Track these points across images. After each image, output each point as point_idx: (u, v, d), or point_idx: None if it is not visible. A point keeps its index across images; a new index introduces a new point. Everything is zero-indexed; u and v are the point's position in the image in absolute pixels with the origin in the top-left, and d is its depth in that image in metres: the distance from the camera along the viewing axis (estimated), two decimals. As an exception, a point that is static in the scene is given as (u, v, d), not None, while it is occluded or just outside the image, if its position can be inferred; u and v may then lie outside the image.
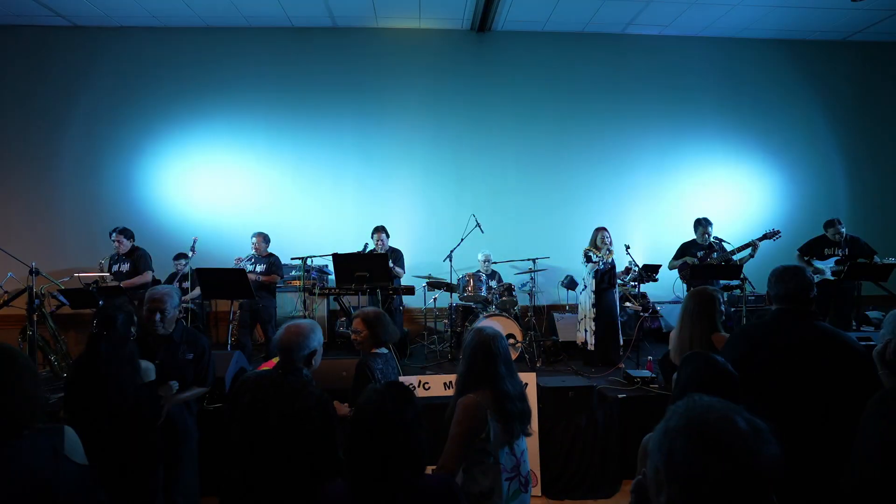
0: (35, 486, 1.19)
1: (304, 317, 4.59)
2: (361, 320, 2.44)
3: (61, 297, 4.32)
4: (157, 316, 2.43)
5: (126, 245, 4.71)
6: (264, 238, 5.02)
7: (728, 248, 4.94)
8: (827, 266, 4.94)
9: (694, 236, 5.07)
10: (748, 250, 4.76)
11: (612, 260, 4.78)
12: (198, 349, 2.57)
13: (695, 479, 0.74)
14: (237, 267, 4.72)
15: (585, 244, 4.91)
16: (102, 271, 4.92)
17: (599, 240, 4.77)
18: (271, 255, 5.02)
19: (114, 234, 4.70)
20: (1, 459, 1.17)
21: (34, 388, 1.28)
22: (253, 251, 4.98)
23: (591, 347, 4.72)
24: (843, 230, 4.91)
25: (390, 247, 5.15)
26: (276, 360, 3.40)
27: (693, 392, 1.44)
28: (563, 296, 5.88)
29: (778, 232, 4.79)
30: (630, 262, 4.96)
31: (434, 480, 1.33)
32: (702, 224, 4.96)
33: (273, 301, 5.02)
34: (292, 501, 1.69)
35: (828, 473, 1.51)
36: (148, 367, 2.34)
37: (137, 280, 4.66)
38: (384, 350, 2.48)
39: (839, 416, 1.63)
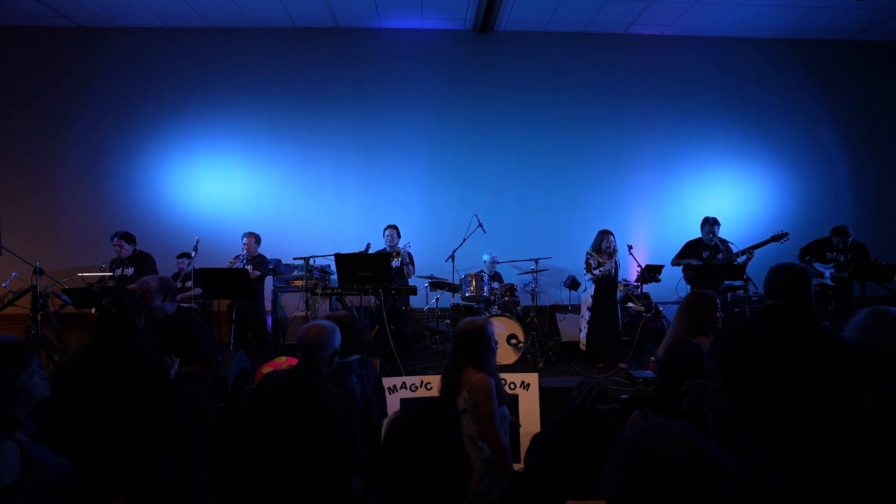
0: None
1: (307, 317, 4.59)
2: None
3: (65, 297, 4.34)
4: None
5: (128, 249, 4.71)
6: (257, 239, 5.00)
7: (733, 249, 4.92)
8: (827, 270, 4.92)
9: (698, 235, 5.05)
10: (744, 256, 4.73)
11: (616, 260, 4.77)
12: (191, 332, 2.65)
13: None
14: (233, 268, 4.71)
15: (588, 245, 4.90)
16: (106, 272, 4.93)
17: (605, 244, 4.74)
18: (260, 255, 5.00)
19: (115, 239, 4.69)
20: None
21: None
22: (244, 251, 4.97)
23: (582, 346, 4.74)
24: (850, 240, 4.89)
25: (398, 247, 5.19)
26: (278, 359, 3.41)
27: (667, 376, 1.45)
28: (565, 296, 5.87)
29: (786, 234, 4.74)
30: (624, 281, 4.95)
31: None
32: (709, 223, 4.93)
33: (263, 303, 4.99)
34: (310, 499, 1.69)
35: (813, 471, 1.50)
36: None
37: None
38: (353, 357, 2.36)
39: (823, 415, 1.60)
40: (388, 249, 5.06)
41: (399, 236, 5.21)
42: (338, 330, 1.99)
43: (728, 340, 1.89)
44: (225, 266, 4.75)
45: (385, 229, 5.17)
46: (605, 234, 4.78)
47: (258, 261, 4.95)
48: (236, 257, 4.94)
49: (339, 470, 1.74)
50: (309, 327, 1.95)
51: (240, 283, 4.19)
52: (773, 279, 1.91)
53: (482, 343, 2.19)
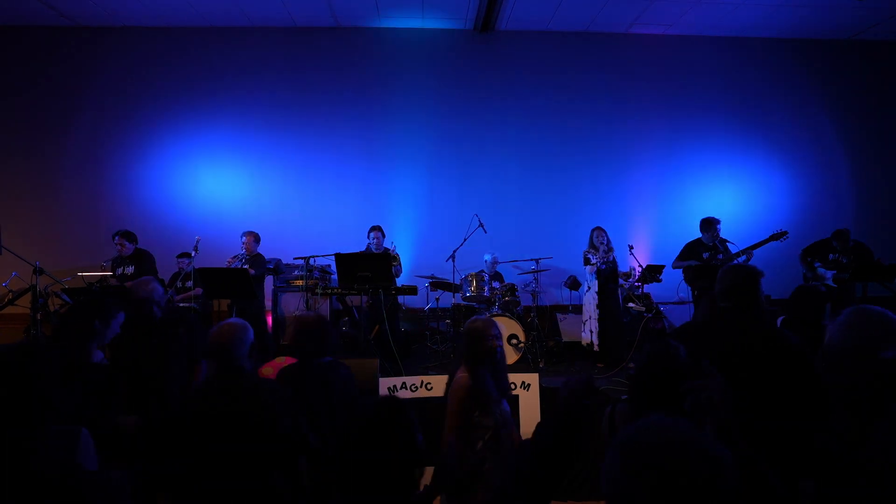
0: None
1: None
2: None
3: (65, 297, 4.33)
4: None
5: (129, 248, 4.71)
6: (256, 238, 4.98)
7: (733, 249, 4.91)
8: (829, 273, 4.91)
9: (699, 236, 5.04)
10: (743, 257, 4.71)
11: (613, 257, 4.76)
12: (183, 327, 2.67)
13: (623, 497, 0.73)
14: (231, 267, 4.70)
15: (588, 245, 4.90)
16: (106, 271, 4.93)
17: (596, 239, 4.78)
18: (258, 255, 4.98)
19: (116, 237, 4.69)
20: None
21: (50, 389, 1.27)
22: (243, 250, 4.95)
23: (595, 348, 4.71)
24: (852, 243, 4.88)
25: (384, 247, 5.15)
26: (278, 359, 3.40)
27: (643, 374, 1.47)
28: (565, 296, 5.86)
29: (786, 233, 4.72)
30: (631, 267, 4.94)
31: None
32: (711, 223, 4.92)
33: (263, 302, 4.98)
34: (258, 487, 1.70)
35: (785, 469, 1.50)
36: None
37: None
38: (327, 358, 2.32)
39: (782, 414, 1.63)
40: (374, 251, 5.00)
41: (384, 236, 5.17)
42: (248, 325, 1.95)
43: (690, 344, 1.90)
44: (224, 266, 4.74)
45: (370, 231, 5.08)
46: (595, 230, 4.84)
47: (256, 260, 4.94)
48: (235, 256, 4.93)
49: (288, 457, 1.78)
50: (220, 328, 1.90)
51: (239, 283, 4.18)
52: (720, 283, 1.93)
53: (474, 343, 2.17)
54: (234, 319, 1.95)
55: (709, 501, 0.69)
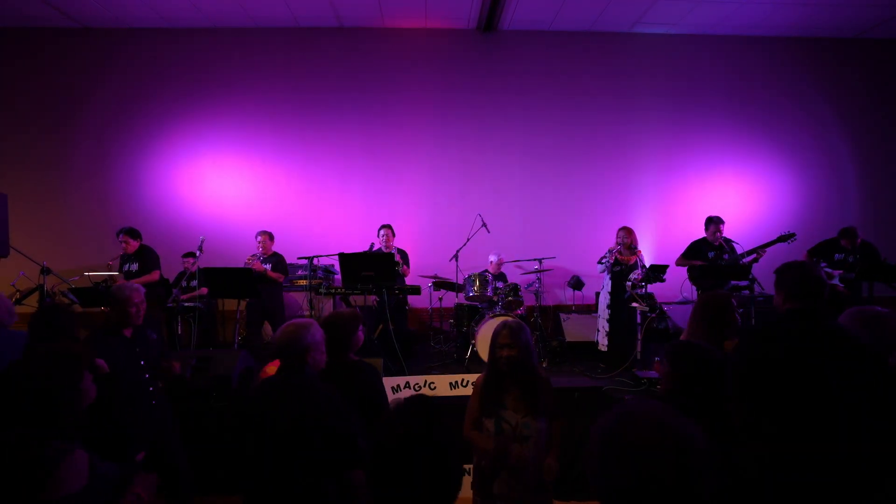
0: None
1: (311, 316, 4.61)
2: None
3: (71, 296, 4.37)
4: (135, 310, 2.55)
5: (133, 245, 4.75)
6: (270, 237, 5.04)
7: (738, 249, 4.89)
8: (836, 272, 4.87)
9: (703, 234, 5.02)
10: (753, 256, 4.69)
11: (636, 260, 4.67)
12: (156, 326, 2.77)
13: (609, 486, 0.74)
14: (250, 266, 4.74)
15: (592, 244, 4.92)
16: (112, 271, 4.97)
17: (622, 239, 4.76)
18: (276, 253, 5.05)
19: (120, 235, 4.74)
20: None
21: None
22: (259, 249, 5.00)
23: (602, 348, 4.71)
24: (859, 241, 4.84)
25: (396, 247, 5.17)
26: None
27: (675, 375, 1.45)
28: (569, 296, 5.85)
29: (794, 235, 4.66)
30: (636, 275, 4.91)
31: None
32: (713, 222, 4.90)
33: (282, 298, 5.05)
34: (313, 494, 1.69)
35: (837, 477, 1.48)
36: None
37: (146, 279, 4.70)
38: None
39: (849, 418, 1.59)
40: (383, 250, 5.04)
41: (394, 235, 5.18)
42: (310, 326, 1.94)
43: (756, 348, 1.79)
44: (229, 266, 4.76)
45: (380, 229, 5.13)
46: (619, 230, 4.80)
47: (278, 260, 4.99)
48: (253, 255, 4.96)
49: (340, 465, 1.74)
50: (285, 327, 1.91)
51: (244, 282, 4.21)
52: (783, 282, 1.77)
53: (494, 345, 2.23)
54: (299, 320, 1.96)
55: (682, 478, 0.70)
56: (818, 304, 1.75)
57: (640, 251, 4.78)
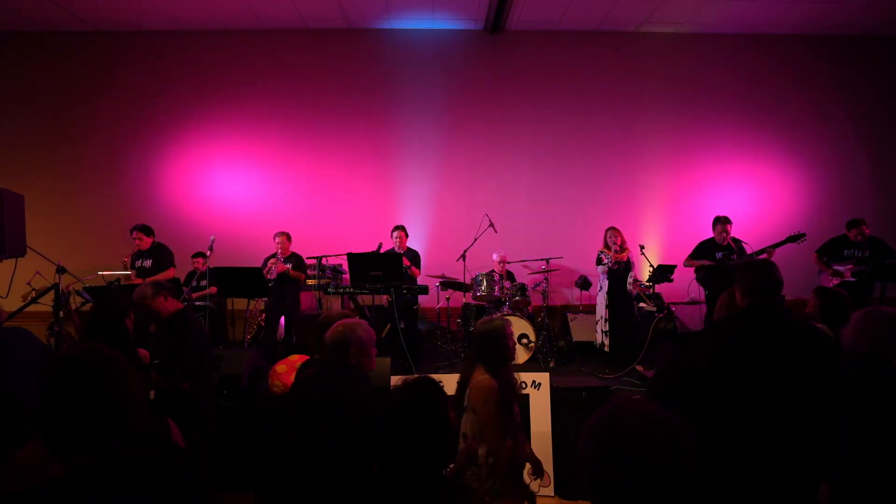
0: None
1: (319, 315, 4.65)
2: None
3: (85, 295, 4.45)
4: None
5: (147, 241, 4.83)
6: (288, 237, 5.08)
7: (747, 249, 4.86)
8: (845, 268, 4.83)
9: (711, 235, 5.00)
10: (764, 256, 4.65)
11: (628, 258, 4.74)
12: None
13: (602, 482, 0.76)
14: (271, 267, 4.79)
15: (599, 244, 4.90)
16: (126, 269, 5.04)
17: (609, 239, 4.78)
18: (295, 254, 5.10)
19: (134, 232, 4.82)
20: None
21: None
22: (278, 250, 5.04)
23: (605, 348, 4.71)
24: (868, 234, 4.78)
25: (408, 248, 5.21)
26: (293, 357, 3.46)
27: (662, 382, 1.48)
28: (576, 296, 5.85)
29: (803, 235, 4.62)
30: (634, 280, 4.91)
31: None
32: (720, 222, 4.88)
33: (298, 297, 5.10)
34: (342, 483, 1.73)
35: (798, 466, 1.51)
36: None
37: (161, 276, 4.77)
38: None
39: (807, 408, 1.63)
40: (397, 251, 5.07)
41: (407, 236, 5.22)
42: (357, 327, 1.97)
43: (720, 341, 1.88)
44: (238, 265, 4.80)
45: (393, 230, 5.17)
46: (608, 230, 4.84)
47: (298, 260, 5.04)
48: (273, 257, 4.99)
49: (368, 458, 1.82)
50: (335, 325, 1.98)
51: (254, 282, 4.26)
52: (744, 279, 1.89)
53: (491, 343, 2.17)
54: (349, 320, 2.01)
55: (675, 472, 0.72)
56: (773, 300, 1.84)
57: (629, 249, 4.81)
